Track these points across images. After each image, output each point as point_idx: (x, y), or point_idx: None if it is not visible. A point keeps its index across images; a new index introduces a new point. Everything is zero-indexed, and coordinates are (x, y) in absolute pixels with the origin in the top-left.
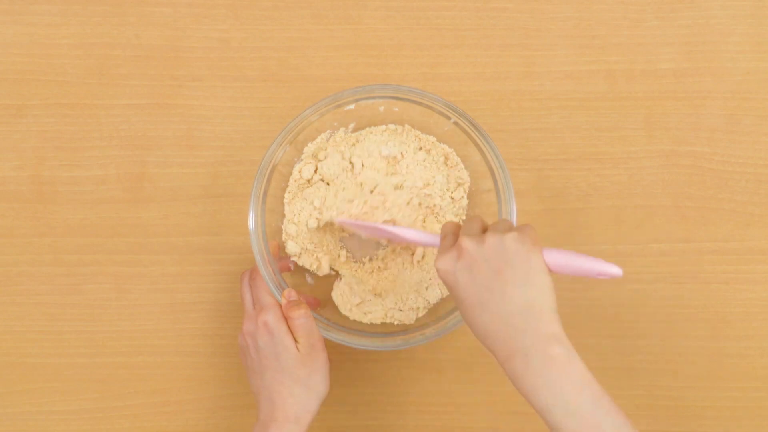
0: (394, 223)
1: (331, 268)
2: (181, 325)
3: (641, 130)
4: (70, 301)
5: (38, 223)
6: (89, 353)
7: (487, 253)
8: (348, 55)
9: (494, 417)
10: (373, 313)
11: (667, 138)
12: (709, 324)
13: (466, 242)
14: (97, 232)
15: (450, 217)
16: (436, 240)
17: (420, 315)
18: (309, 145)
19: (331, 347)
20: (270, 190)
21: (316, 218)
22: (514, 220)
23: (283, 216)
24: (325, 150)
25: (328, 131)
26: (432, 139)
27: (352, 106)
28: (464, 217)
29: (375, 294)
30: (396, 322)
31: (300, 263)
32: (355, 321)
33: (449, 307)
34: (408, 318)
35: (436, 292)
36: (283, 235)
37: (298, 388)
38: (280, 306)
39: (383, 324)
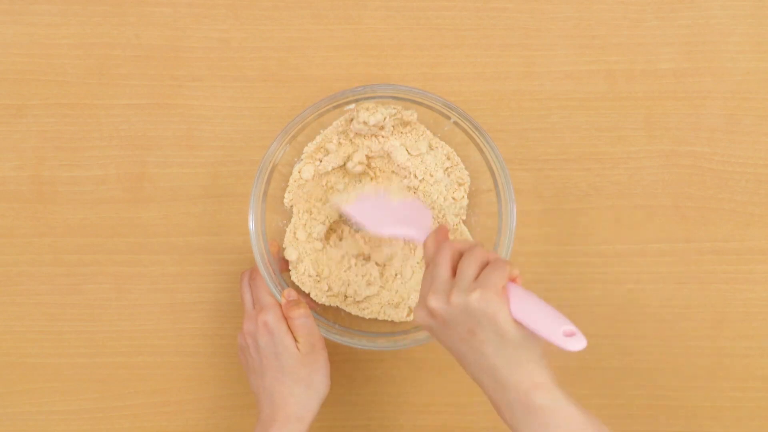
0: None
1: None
2: (181, 325)
3: (641, 130)
4: (70, 301)
5: (38, 223)
6: (89, 353)
7: (456, 316)
8: (348, 55)
9: (494, 417)
10: (370, 309)
11: (667, 138)
12: (709, 324)
13: (432, 303)
14: (97, 232)
15: (450, 218)
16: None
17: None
18: (309, 145)
19: (331, 347)
20: (270, 191)
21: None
22: (514, 220)
23: (283, 216)
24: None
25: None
26: (436, 138)
27: (351, 106)
28: (464, 217)
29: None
30: (389, 319)
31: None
32: (355, 321)
33: None
34: (399, 316)
35: None
36: (285, 239)
37: (298, 387)
38: (280, 306)
39: (381, 322)
